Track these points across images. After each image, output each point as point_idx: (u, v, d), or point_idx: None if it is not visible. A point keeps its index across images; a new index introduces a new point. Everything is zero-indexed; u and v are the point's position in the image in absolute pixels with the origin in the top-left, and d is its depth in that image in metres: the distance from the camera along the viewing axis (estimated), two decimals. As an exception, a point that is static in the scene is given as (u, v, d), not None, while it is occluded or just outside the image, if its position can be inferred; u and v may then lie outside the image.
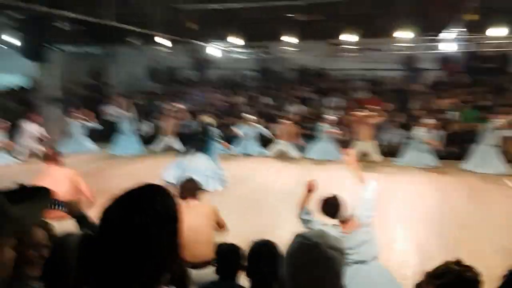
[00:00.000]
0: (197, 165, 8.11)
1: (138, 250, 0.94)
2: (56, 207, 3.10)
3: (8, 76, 16.31)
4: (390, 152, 11.37)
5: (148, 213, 0.96)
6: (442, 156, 11.04)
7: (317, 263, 1.08)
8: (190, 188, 4.03)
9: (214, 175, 8.27)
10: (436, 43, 11.93)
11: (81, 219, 2.48)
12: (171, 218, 1.01)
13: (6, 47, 13.42)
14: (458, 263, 2.11)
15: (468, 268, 2.06)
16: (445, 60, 13.61)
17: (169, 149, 11.93)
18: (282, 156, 11.44)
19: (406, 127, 11.63)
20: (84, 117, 12.19)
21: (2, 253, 1.00)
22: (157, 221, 0.97)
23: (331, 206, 3.53)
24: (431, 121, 10.66)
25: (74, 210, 2.57)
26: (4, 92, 15.18)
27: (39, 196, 1.20)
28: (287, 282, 1.13)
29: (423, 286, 2.14)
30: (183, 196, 3.92)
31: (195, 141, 8.47)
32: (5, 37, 12.82)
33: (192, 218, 3.74)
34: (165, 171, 8.37)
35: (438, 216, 6.54)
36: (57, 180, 5.01)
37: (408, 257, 5.06)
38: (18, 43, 11.98)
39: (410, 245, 5.35)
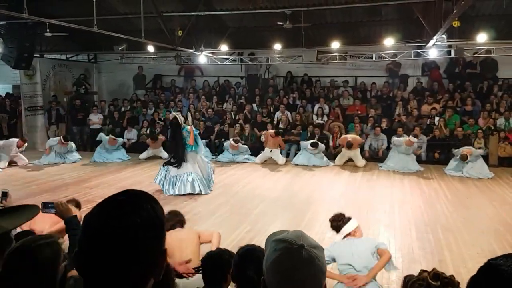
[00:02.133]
0: (185, 170, 8.17)
1: (121, 256, 0.93)
2: (47, 209, 3.09)
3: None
4: (373, 157, 11.51)
5: (131, 218, 0.95)
6: (425, 161, 11.23)
7: (305, 265, 1.08)
8: (176, 220, 4.18)
9: (201, 179, 8.27)
10: (418, 50, 12.13)
11: (72, 221, 2.48)
12: (156, 223, 0.99)
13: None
14: (438, 276, 2.07)
15: (450, 281, 2.02)
16: (428, 66, 13.83)
17: (154, 157, 11.89)
18: (269, 163, 11.47)
19: (390, 132, 11.79)
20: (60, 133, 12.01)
21: None
22: (141, 227, 0.95)
23: (336, 221, 3.92)
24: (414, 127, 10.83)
25: (64, 212, 2.58)
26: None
27: (26, 209, 1.23)
28: (268, 285, 1.12)
29: None
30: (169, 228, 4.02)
31: (174, 146, 8.49)
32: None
33: (179, 232, 4.01)
34: (157, 176, 8.37)
35: (422, 220, 6.61)
36: None
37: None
38: (2, 51, 11.85)
39: (394, 249, 5.40)
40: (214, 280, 2.67)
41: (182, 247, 3.79)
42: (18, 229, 3.50)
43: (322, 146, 11.30)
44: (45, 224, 4.81)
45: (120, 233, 0.93)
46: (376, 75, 14.19)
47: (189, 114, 8.75)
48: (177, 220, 4.21)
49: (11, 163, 10.98)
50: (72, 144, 11.75)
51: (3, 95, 15.41)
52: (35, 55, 12.52)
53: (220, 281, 2.67)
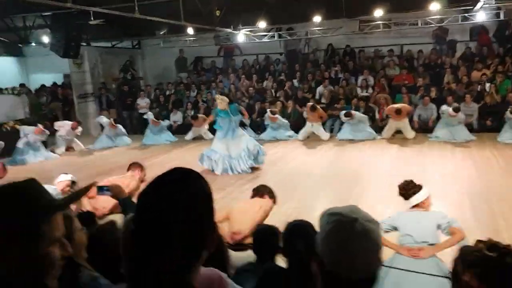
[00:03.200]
0: (229, 149, 8.28)
1: (174, 231, 0.98)
2: (102, 192, 3.27)
3: (45, 74, 16.91)
4: (423, 128, 11.16)
5: (182, 195, 1.01)
6: (477, 129, 10.77)
7: (359, 238, 1.10)
8: (261, 190, 4.71)
9: (248, 154, 8.32)
10: (466, 14, 11.49)
11: (126, 201, 2.60)
12: (204, 198, 1.05)
13: (42, 46, 13.92)
14: (495, 246, 2.00)
15: (508, 251, 1.97)
16: (476, 31, 13.11)
17: (199, 137, 12.14)
18: (312, 139, 11.39)
19: (440, 101, 11.36)
20: (111, 118, 12.42)
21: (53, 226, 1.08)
22: (191, 202, 1.01)
23: (406, 189, 3.80)
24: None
25: (118, 194, 2.71)
26: (41, 89, 15.73)
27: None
28: (326, 261, 1.14)
29: (460, 274, 2.06)
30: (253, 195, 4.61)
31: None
32: (40, 37, 13.29)
33: (247, 204, 4.53)
34: (201, 157, 8.50)
35: (475, 190, 6.40)
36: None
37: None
38: (51, 41, 12.34)
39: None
40: (265, 254, 2.74)
41: (242, 219, 4.02)
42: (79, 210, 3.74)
43: (358, 114, 10.98)
44: (105, 203, 5.16)
45: (172, 209, 0.99)
46: (423, 42, 13.60)
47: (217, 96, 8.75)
48: (265, 191, 4.63)
49: (68, 149, 11.59)
50: (121, 127, 12.23)
51: (55, 84, 16.18)
52: (82, 43, 12.93)
53: (270, 255, 2.73)
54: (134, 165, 7.00)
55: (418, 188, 3.80)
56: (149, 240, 0.99)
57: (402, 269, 3.29)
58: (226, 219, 4.46)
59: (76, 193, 1.29)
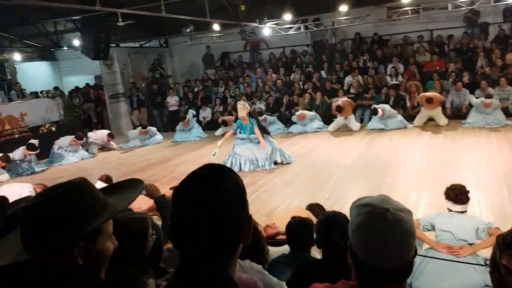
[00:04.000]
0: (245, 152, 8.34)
1: (210, 226, 1.00)
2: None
3: (78, 76, 17.44)
4: (456, 114, 10.87)
5: (216, 190, 1.03)
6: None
7: (392, 228, 1.10)
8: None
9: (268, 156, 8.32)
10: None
11: (161, 200, 2.66)
12: (238, 192, 1.07)
13: (74, 50, 14.33)
14: None
15: None
16: (510, 12, 12.60)
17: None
18: (342, 130, 11.29)
19: (473, 86, 11.03)
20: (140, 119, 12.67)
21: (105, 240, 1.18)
22: (225, 196, 1.03)
23: (458, 193, 3.62)
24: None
25: (153, 192, 2.78)
26: (74, 91, 16.22)
27: (131, 185, 1.37)
28: (358, 252, 1.14)
29: (498, 260, 2.03)
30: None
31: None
32: (71, 41, 13.67)
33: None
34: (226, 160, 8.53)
35: (514, 177, 6.21)
36: None
37: (483, 219, 4.88)
38: (81, 44, 12.67)
39: (485, 207, 5.15)
40: (299, 245, 2.76)
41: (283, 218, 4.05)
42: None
43: (388, 110, 10.75)
44: (140, 204, 5.25)
45: (209, 204, 1.01)
46: (454, 26, 13.18)
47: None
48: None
49: (102, 148, 11.93)
50: (152, 129, 12.49)
51: (87, 85, 16.63)
52: (111, 45, 13.21)
53: (304, 247, 2.75)
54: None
55: (467, 198, 3.67)
56: (185, 236, 1.02)
57: (441, 259, 3.25)
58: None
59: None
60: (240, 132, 8.45)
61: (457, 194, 3.61)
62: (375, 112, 10.70)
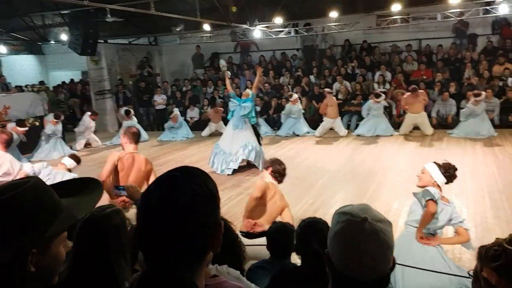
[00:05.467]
0: (238, 139, 8.12)
1: (177, 231, 0.95)
2: (118, 190, 3.28)
3: (64, 71, 17.21)
4: (442, 124, 10.97)
5: (185, 194, 0.98)
6: (499, 125, 10.54)
7: (368, 238, 1.07)
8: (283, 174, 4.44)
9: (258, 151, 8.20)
10: (487, 7, 11.20)
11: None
12: (209, 198, 1.01)
13: (61, 44, 14.13)
14: None
15: None
16: (498, 24, 12.78)
17: (216, 134, 12.15)
18: (329, 136, 11.30)
19: (459, 97, 11.14)
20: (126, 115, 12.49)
21: (57, 246, 1.13)
22: (194, 201, 0.98)
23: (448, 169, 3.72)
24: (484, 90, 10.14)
25: (134, 194, 2.71)
26: (59, 86, 15.99)
27: (90, 189, 1.29)
28: (337, 262, 1.11)
29: (479, 272, 2.03)
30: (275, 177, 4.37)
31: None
32: (59, 35, 13.49)
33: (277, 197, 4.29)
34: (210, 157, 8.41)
35: (496, 188, 6.26)
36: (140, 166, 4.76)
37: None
38: (69, 39, 12.50)
39: (467, 218, 5.15)
40: (280, 251, 2.72)
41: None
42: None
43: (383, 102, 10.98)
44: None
45: (175, 208, 0.96)
46: (443, 37, 13.33)
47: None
48: (279, 169, 4.37)
49: (86, 145, 11.77)
50: (134, 119, 12.37)
51: (73, 80, 16.42)
52: (99, 41, 13.06)
53: (285, 253, 2.71)
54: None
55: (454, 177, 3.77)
56: (150, 241, 0.97)
57: (420, 268, 3.24)
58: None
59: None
60: (232, 116, 8.28)
61: (449, 169, 3.72)
62: (378, 95, 10.85)
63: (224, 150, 8.17)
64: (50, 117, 11.01)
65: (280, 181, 4.40)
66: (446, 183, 3.70)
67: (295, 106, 11.64)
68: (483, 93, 10.08)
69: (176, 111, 12.69)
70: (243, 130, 8.16)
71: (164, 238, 0.96)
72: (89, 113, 11.94)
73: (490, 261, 1.95)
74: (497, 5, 10.78)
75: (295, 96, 11.67)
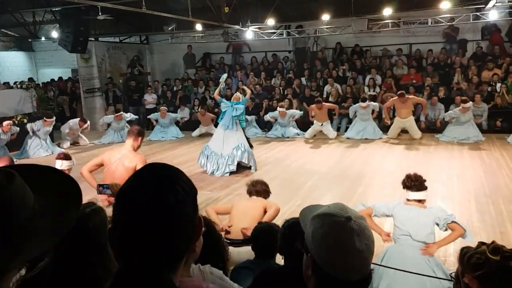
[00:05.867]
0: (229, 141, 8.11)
1: (153, 231, 0.93)
2: (103, 189, 3.25)
3: (54, 69, 17.05)
4: (430, 128, 11.06)
5: (175, 190, 0.96)
6: (487, 130, 10.65)
7: (357, 236, 1.07)
8: (259, 190, 4.40)
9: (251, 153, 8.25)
10: (477, 13, 11.32)
11: None
12: (185, 196, 0.99)
13: (51, 41, 13.99)
14: (498, 249, 1.96)
15: (510, 255, 1.89)
16: (488, 30, 12.93)
17: (206, 134, 12.13)
18: (319, 137, 11.33)
19: (448, 101, 11.25)
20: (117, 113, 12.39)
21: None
22: (170, 200, 0.95)
23: (414, 181, 3.69)
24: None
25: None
26: (49, 83, 15.83)
27: (65, 192, 1.00)
28: (324, 263, 1.10)
29: (461, 276, 2.04)
30: (250, 193, 4.39)
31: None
32: (49, 32, 13.36)
33: (249, 201, 4.29)
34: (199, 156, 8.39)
35: (482, 191, 6.32)
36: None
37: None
38: (59, 36, 12.39)
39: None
40: (264, 252, 2.71)
41: (241, 216, 3.97)
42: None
43: (373, 104, 11.03)
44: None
45: (149, 208, 0.93)
46: (433, 42, 13.44)
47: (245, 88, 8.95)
48: (261, 189, 4.38)
49: (74, 143, 11.66)
50: (126, 115, 12.31)
51: (62, 78, 16.27)
52: (90, 38, 12.96)
53: (269, 253, 2.70)
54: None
55: (425, 187, 3.76)
56: (132, 240, 0.94)
57: (401, 270, 3.26)
58: (227, 213, 4.38)
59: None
60: (222, 117, 8.28)
61: (412, 180, 3.69)
62: (364, 99, 11.03)
63: (215, 151, 8.14)
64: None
65: (264, 197, 4.45)
66: (409, 189, 3.76)
67: (283, 118, 11.66)
68: (470, 102, 10.15)
69: (164, 106, 12.72)
70: (233, 131, 8.15)
71: (149, 237, 0.93)
72: (78, 119, 11.78)
73: (472, 269, 1.96)
74: (487, 11, 10.90)
75: (282, 109, 11.58)
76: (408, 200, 3.74)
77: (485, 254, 1.94)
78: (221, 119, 8.35)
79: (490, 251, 1.94)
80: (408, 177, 3.76)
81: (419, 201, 3.72)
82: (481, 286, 1.91)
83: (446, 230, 3.62)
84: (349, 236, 1.07)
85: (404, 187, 3.77)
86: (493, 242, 2.03)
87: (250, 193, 4.39)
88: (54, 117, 11.08)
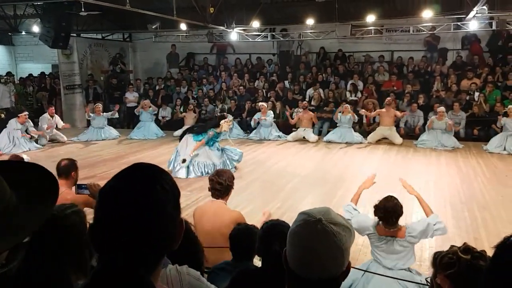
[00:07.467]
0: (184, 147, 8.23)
1: (134, 230, 0.93)
2: (81, 190, 3.17)
3: (34, 64, 16.72)
4: (410, 134, 11.24)
5: (156, 189, 0.97)
6: (464, 138, 10.88)
7: (319, 238, 1.08)
8: (218, 189, 3.97)
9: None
10: (458, 22, 11.57)
11: None
12: (176, 195, 1.01)
13: (32, 36, 13.72)
14: (468, 249, 2.03)
15: (480, 255, 1.98)
16: (468, 40, 13.22)
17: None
18: (300, 140, 11.40)
19: (427, 108, 11.45)
20: (98, 110, 12.22)
21: None
22: (152, 199, 0.96)
23: (387, 212, 3.31)
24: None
25: (97, 193, 2.64)
26: (27, 78, 15.53)
27: (45, 192, 1.06)
28: (290, 260, 1.13)
29: (434, 277, 2.10)
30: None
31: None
32: (30, 26, 13.10)
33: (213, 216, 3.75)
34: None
35: (458, 198, 6.45)
36: None
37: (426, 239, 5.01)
38: (40, 31, 12.17)
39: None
40: (241, 253, 2.71)
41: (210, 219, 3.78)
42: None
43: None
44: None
45: (130, 206, 0.94)
46: (414, 49, 13.68)
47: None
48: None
49: (51, 140, 11.44)
50: (106, 114, 12.26)
51: (42, 73, 15.97)
52: (72, 34, 12.77)
53: (247, 255, 2.70)
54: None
55: (401, 213, 3.36)
56: (113, 238, 0.94)
57: (382, 275, 3.29)
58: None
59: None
60: (208, 143, 8.29)
61: (386, 212, 3.33)
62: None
63: (178, 150, 8.29)
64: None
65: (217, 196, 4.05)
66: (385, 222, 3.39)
67: (265, 120, 11.70)
68: (445, 113, 10.37)
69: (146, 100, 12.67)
70: (214, 150, 8.30)
71: (131, 235, 0.93)
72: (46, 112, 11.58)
73: (444, 268, 2.02)
74: (467, 22, 11.13)
75: (263, 103, 11.74)
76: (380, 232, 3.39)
77: (457, 254, 2.01)
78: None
79: (461, 251, 2.02)
80: (384, 209, 3.33)
81: (400, 229, 3.37)
82: (452, 285, 1.97)
83: (432, 236, 3.53)
84: (311, 236, 1.09)
85: (376, 215, 3.41)
86: (464, 243, 2.10)
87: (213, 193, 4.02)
88: (26, 112, 10.83)
